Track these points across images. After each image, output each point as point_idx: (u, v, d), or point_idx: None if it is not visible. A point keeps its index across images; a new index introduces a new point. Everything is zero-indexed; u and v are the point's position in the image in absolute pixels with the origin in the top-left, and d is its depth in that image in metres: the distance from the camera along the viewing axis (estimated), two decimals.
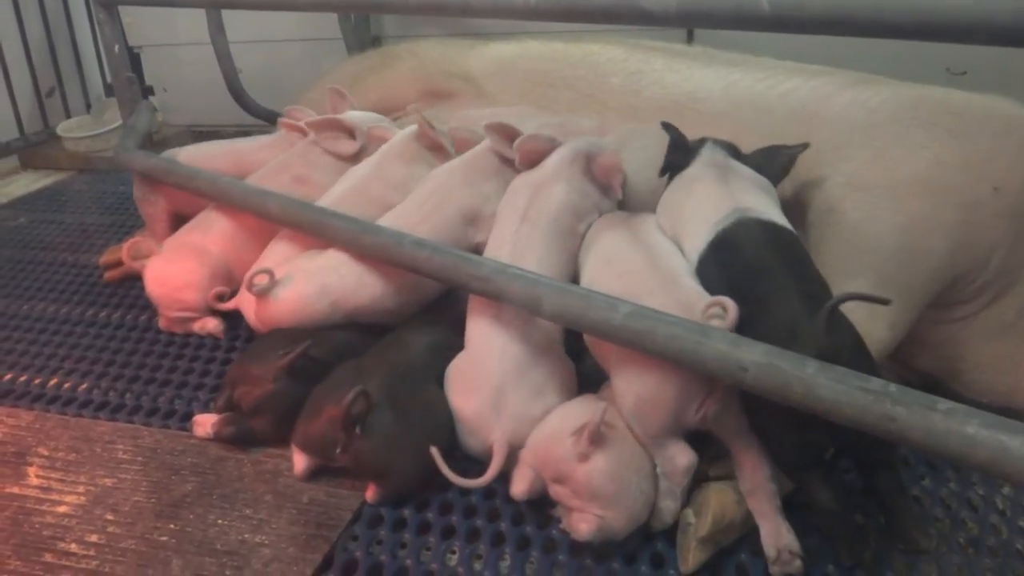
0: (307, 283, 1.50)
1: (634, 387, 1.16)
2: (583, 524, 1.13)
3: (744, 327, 1.09)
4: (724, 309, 1.09)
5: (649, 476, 1.18)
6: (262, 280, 1.48)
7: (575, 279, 1.40)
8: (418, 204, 1.57)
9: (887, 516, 1.15)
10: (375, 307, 1.52)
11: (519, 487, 1.20)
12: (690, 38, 2.18)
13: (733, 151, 1.46)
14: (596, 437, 1.12)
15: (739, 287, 1.18)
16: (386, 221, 1.54)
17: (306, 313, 1.49)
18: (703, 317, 1.09)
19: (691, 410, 1.13)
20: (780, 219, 1.29)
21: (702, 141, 1.47)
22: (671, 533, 1.18)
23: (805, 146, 1.41)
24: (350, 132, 1.86)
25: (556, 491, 1.18)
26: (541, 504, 1.23)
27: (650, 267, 1.26)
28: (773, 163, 1.42)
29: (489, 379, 1.26)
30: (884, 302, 1.05)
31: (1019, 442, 0.83)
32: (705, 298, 1.16)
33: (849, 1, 0.95)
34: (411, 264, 1.39)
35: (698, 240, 1.30)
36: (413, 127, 1.76)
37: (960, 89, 1.50)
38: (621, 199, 1.51)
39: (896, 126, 1.43)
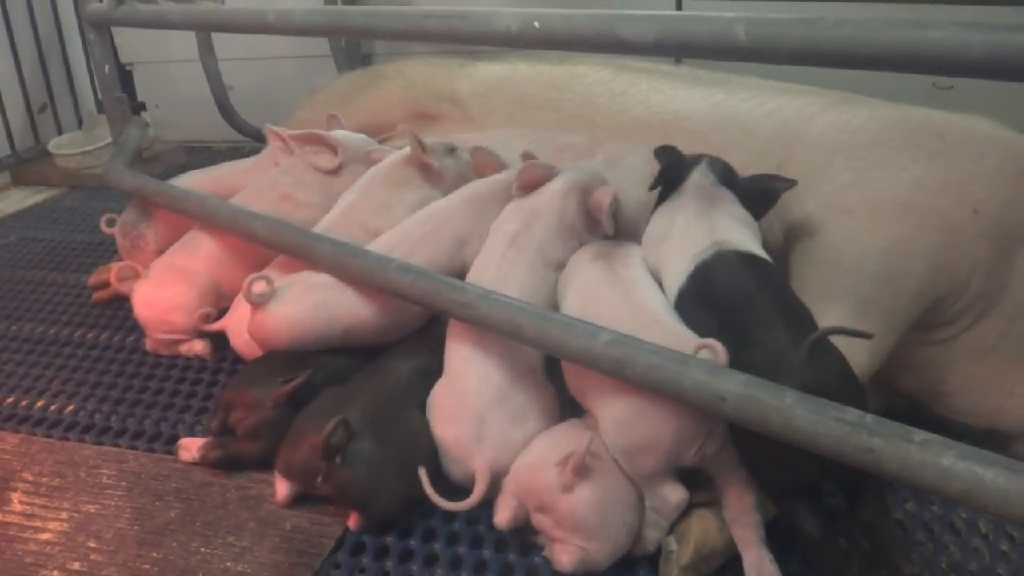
0: (306, 295, 1.48)
1: (627, 430, 1.14)
2: (565, 556, 1.13)
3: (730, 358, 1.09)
4: (714, 352, 1.07)
5: (634, 507, 1.18)
6: (261, 287, 1.45)
7: (555, 308, 1.39)
8: (417, 225, 1.57)
9: (871, 541, 1.15)
10: (372, 325, 1.50)
11: (503, 516, 1.19)
12: (678, 59, 2.19)
13: (727, 173, 1.45)
14: (581, 468, 1.12)
15: (721, 319, 1.19)
16: (381, 242, 1.55)
17: (304, 326, 1.47)
18: None
19: (689, 453, 1.13)
20: (759, 251, 1.29)
21: (699, 159, 1.46)
22: (653, 560, 1.18)
23: (792, 183, 1.40)
24: (332, 147, 1.87)
25: (539, 520, 1.18)
26: (523, 531, 1.22)
27: (629, 308, 1.25)
28: (757, 195, 1.42)
29: (470, 407, 1.26)
30: (866, 336, 1.05)
31: (993, 474, 0.84)
32: (688, 336, 1.15)
33: (824, 34, 0.95)
34: (395, 289, 1.39)
35: (678, 273, 1.30)
36: (405, 150, 1.75)
37: (946, 103, 1.52)
38: (611, 235, 1.51)
39: (877, 147, 1.44)
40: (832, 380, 1.05)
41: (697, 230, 1.33)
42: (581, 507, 1.12)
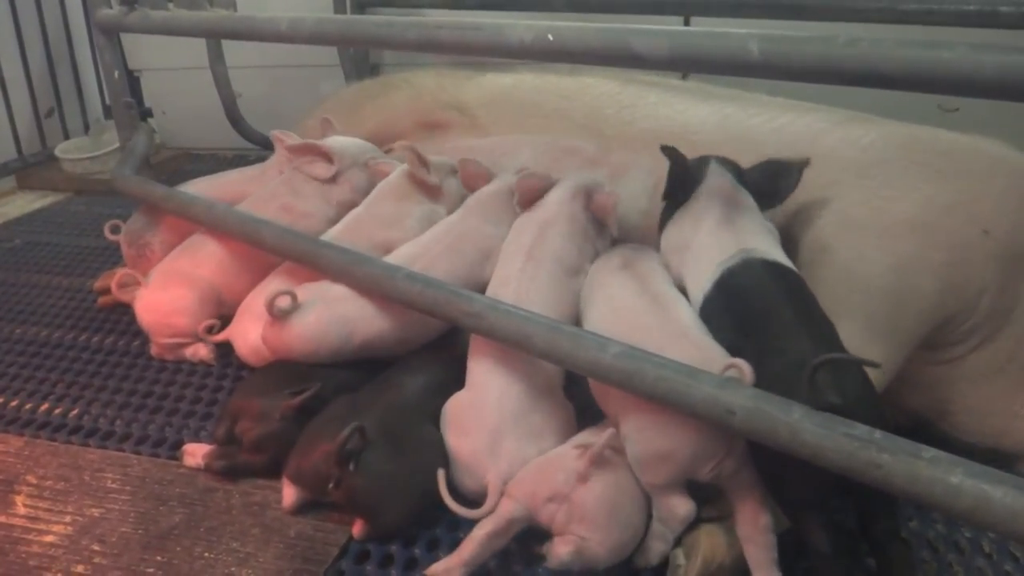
0: (329, 310, 1.48)
1: (647, 439, 1.14)
2: (562, 547, 1.12)
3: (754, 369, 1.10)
4: (740, 371, 1.06)
5: (642, 509, 1.18)
6: (284, 302, 1.46)
7: (578, 318, 1.40)
8: (436, 240, 1.59)
9: (878, 560, 1.14)
10: (390, 338, 1.51)
11: (487, 527, 1.17)
12: (684, 74, 2.20)
13: (737, 172, 1.45)
14: (598, 459, 1.13)
15: (745, 328, 1.19)
16: (400, 254, 1.56)
17: (322, 341, 1.47)
18: None
19: (705, 469, 1.12)
20: (784, 259, 1.30)
21: (705, 161, 1.46)
22: (656, 571, 1.18)
23: (806, 162, 1.40)
24: (327, 156, 1.88)
25: (548, 511, 1.16)
26: (528, 543, 1.22)
27: (659, 319, 1.24)
28: (776, 182, 1.42)
29: (487, 420, 1.27)
30: (873, 365, 1.05)
31: (1001, 492, 0.84)
32: (716, 352, 1.15)
33: (838, 52, 0.96)
34: (403, 298, 1.39)
35: (703, 280, 1.30)
36: (406, 165, 1.77)
37: (951, 125, 1.52)
38: (616, 236, 1.52)
39: (887, 166, 1.44)
40: (850, 400, 1.04)
41: (723, 236, 1.33)
42: (592, 498, 1.13)
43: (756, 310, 1.20)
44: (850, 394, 1.04)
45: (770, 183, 1.42)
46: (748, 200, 1.40)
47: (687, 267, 1.36)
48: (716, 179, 1.42)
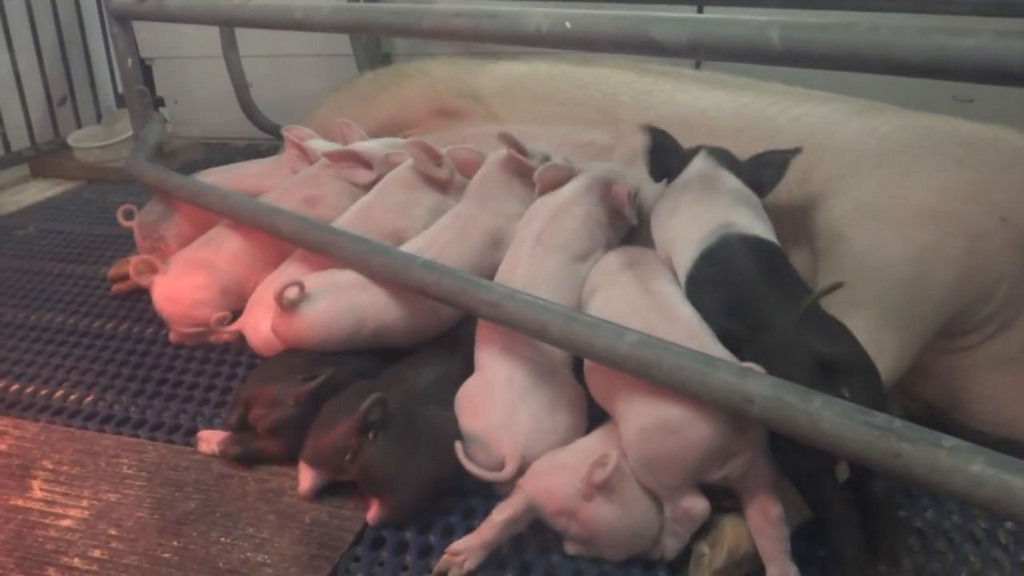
0: (338, 299, 1.48)
1: (652, 440, 1.12)
2: (571, 547, 1.17)
3: (743, 345, 1.12)
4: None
5: (655, 515, 1.17)
6: (293, 292, 1.46)
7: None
8: (443, 230, 1.59)
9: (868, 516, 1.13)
10: (401, 327, 1.51)
11: (503, 515, 1.17)
12: (698, 63, 2.19)
13: (728, 159, 1.45)
14: (605, 485, 1.12)
15: (731, 304, 1.21)
16: (413, 245, 1.56)
17: (332, 330, 1.47)
18: None
19: (713, 471, 1.11)
20: (764, 232, 1.30)
21: (696, 150, 1.47)
22: (682, 560, 1.18)
23: (798, 151, 1.42)
24: (366, 163, 1.87)
25: (557, 522, 1.17)
26: (543, 529, 1.22)
27: (666, 321, 1.22)
28: (764, 170, 1.43)
29: (500, 398, 1.28)
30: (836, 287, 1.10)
31: (1023, 482, 0.83)
32: (727, 357, 1.12)
33: (859, 38, 0.95)
34: (420, 286, 1.39)
35: (685, 259, 1.31)
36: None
37: (967, 116, 1.52)
38: (636, 224, 1.52)
39: (905, 155, 1.44)
40: (850, 359, 1.07)
41: (701, 214, 1.34)
42: (599, 519, 1.13)
43: (739, 286, 1.21)
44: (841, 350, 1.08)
45: (758, 173, 1.43)
46: (730, 179, 1.41)
47: (672, 247, 1.37)
48: (699, 163, 1.44)
